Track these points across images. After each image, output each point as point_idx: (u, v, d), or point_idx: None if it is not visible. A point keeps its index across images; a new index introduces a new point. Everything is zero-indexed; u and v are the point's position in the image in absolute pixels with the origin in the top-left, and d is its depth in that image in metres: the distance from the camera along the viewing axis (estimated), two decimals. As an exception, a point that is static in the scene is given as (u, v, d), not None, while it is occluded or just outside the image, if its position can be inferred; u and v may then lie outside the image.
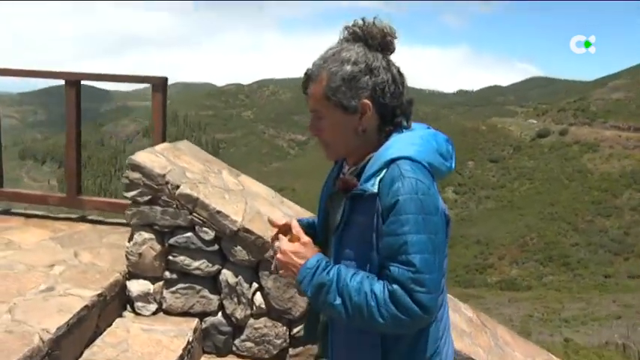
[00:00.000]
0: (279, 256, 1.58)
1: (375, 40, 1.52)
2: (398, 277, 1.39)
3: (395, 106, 1.54)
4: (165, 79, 3.99)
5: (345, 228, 1.53)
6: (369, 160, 1.53)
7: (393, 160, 1.45)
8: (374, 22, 1.53)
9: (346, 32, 1.56)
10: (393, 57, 1.57)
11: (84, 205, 4.16)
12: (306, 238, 1.59)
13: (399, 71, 1.56)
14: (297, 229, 1.62)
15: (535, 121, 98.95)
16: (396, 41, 1.55)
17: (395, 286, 1.39)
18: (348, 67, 1.49)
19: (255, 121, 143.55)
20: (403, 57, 1.56)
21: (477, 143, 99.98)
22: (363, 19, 1.54)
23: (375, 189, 1.45)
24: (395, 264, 1.40)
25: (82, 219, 4.15)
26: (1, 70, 4.31)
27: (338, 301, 1.44)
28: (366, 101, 1.51)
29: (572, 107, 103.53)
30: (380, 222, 1.44)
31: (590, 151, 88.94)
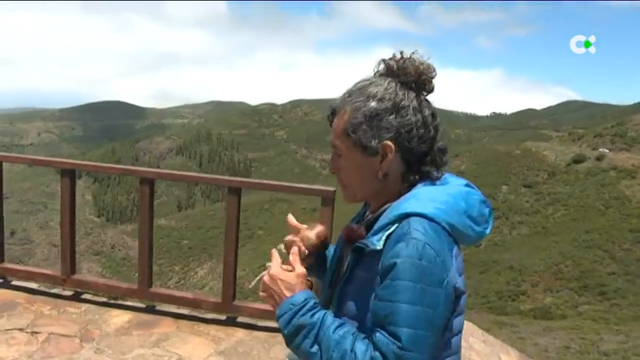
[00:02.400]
0: (265, 278, 1.39)
1: (409, 77, 1.35)
2: (381, 347, 1.22)
3: (423, 152, 1.36)
4: (334, 193, 3.74)
5: (347, 282, 1.37)
6: (385, 210, 1.37)
7: (406, 216, 1.28)
8: (411, 58, 1.37)
9: (381, 65, 1.39)
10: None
11: (239, 312, 4.06)
12: (301, 270, 1.40)
13: (432, 114, 1.37)
14: (294, 257, 1.43)
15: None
16: (433, 81, 1.38)
17: (377, 354, 1.22)
18: (373, 104, 1.33)
19: (288, 141, 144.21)
20: (437, 79, 1.40)
21: (510, 167, 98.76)
22: (401, 53, 1.38)
23: (380, 245, 1.28)
24: (381, 332, 1.23)
25: (233, 321, 4.09)
26: (167, 174, 4.41)
27: (314, 349, 1.28)
28: (389, 143, 1.33)
29: (609, 132, 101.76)
30: (379, 282, 1.28)
31: (628, 178, 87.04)
